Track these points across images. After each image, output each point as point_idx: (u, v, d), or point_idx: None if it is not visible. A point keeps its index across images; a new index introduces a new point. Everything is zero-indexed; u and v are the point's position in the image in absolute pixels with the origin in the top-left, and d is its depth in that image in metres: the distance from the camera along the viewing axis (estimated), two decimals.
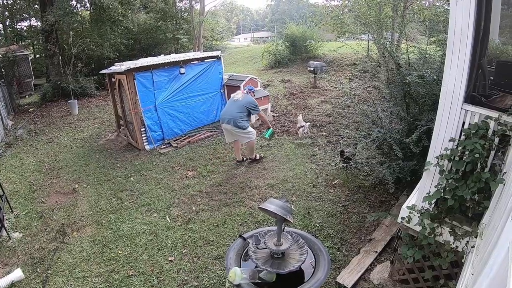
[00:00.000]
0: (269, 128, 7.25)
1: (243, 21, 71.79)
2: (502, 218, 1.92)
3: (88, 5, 16.13)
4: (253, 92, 7.27)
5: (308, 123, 8.50)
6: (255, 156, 7.26)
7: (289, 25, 18.55)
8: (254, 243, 3.56)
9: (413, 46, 5.67)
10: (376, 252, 4.19)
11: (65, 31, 14.28)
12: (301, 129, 8.31)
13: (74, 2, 15.50)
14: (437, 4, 10.11)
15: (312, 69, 12.71)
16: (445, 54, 3.03)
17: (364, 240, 4.61)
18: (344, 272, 3.94)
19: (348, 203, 5.52)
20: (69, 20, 13.90)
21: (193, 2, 19.71)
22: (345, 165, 6.22)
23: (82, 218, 5.79)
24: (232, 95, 7.08)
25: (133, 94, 8.16)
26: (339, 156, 6.30)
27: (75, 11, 15.44)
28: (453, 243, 2.99)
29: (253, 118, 8.95)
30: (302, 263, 3.39)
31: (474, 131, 2.79)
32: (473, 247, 2.66)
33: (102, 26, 15.06)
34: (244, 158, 7.33)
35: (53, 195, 6.76)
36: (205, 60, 9.62)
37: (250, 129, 6.93)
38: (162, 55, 9.92)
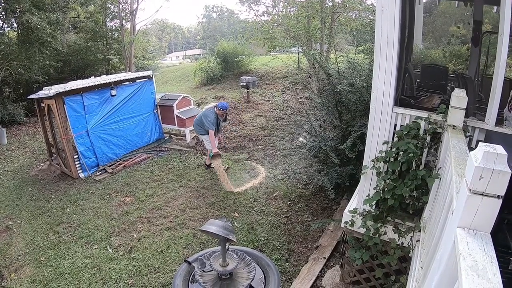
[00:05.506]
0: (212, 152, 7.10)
1: (175, 39, 70.82)
2: (443, 211, 1.99)
3: (15, 25, 14.84)
4: (221, 110, 7.16)
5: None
6: (210, 163, 7.51)
7: (220, 42, 18.66)
8: (199, 267, 3.39)
9: (342, 56, 5.94)
10: (325, 258, 4.22)
11: None
12: None
13: (0, 22, 14.21)
14: (363, 15, 10.67)
15: (244, 84, 12.84)
16: (373, 62, 3.17)
17: (311, 248, 4.63)
18: (295, 282, 3.91)
19: (290, 214, 5.55)
20: None
21: (124, 21, 19.00)
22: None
23: (19, 257, 5.23)
24: None
25: (64, 120, 7.62)
26: None
27: (1, 31, 14.24)
28: (398, 240, 3.09)
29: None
30: (252, 280, 3.29)
31: (406, 132, 2.92)
32: (418, 241, 2.75)
33: (30, 47, 13.94)
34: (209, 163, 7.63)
35: None
36: (137, 81, 9.26)
37: (208, 137, 7.05)
38: (93, 77, 9.38)
